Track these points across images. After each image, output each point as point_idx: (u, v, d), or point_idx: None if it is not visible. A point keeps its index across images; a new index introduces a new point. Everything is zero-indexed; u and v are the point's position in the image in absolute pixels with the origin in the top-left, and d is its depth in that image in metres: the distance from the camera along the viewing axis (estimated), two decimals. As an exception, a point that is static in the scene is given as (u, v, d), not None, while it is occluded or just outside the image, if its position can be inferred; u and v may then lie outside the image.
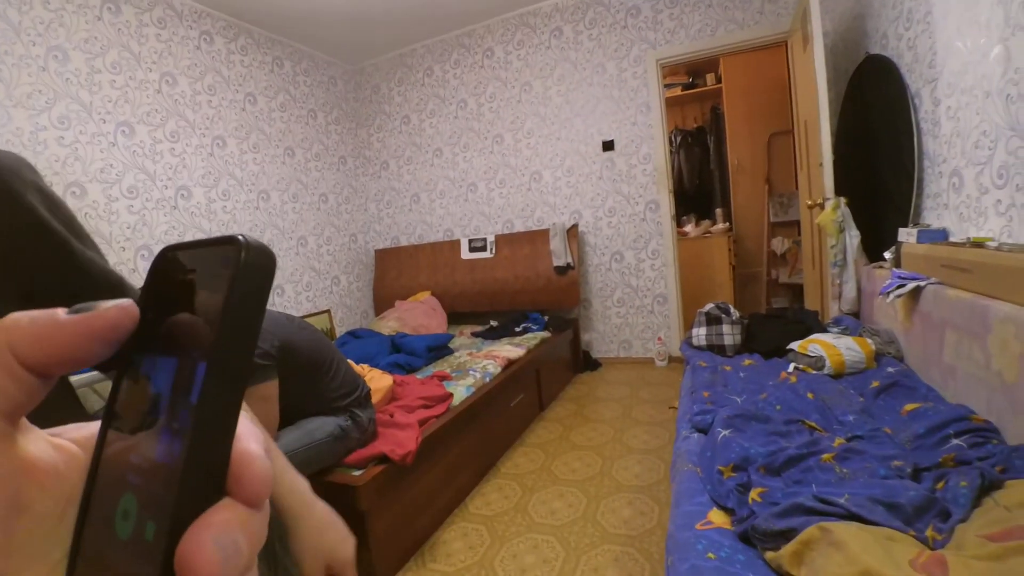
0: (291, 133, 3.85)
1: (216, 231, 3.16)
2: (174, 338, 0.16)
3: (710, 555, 0.95)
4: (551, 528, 1.87)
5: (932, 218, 2.02)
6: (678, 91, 4.82)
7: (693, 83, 4.87)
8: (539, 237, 3.78)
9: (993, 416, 1.31)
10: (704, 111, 4.97)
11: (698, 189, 4.92)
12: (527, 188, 3.99)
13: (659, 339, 3.62)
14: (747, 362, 2.03)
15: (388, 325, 3.66)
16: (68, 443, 0.17)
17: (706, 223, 4.54)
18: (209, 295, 0.16)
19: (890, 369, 1.69)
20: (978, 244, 1.55)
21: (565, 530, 1.85)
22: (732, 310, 2.28)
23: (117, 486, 0.16)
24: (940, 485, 1.07)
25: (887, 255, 2.02)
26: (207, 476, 0.15)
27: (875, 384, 1.61)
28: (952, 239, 1.77)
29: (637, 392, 3.16)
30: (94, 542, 0.16)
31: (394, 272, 4.37)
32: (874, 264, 2.23)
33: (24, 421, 0.16)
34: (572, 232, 3.67)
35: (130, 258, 2.75)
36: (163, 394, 0.16)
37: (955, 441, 1.23)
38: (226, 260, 0.15)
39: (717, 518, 1.07)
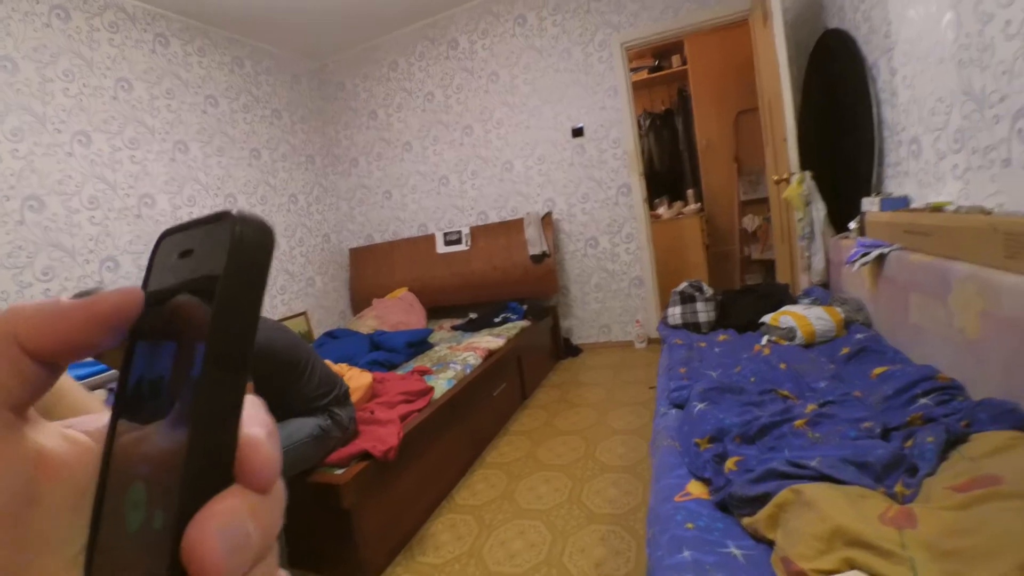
0: (256, 134, 3.77)
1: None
2: (174, 321, 0.16)
3: (689, 525, 0.96)
4: (538, 513, 1.89)
5: (894, 186, 2.06)
6: (644, 74, 4.84)
7: (659, 66, 4.89)
8: (514, 227, 3.78)
9: (958, 373, 1.35)
10: (671, 93, 5.00)
11: (669, 171, 4.96)
12: (499, 178, 3.97)
13: (637, 322, 3.66)
14: (722, 337, 2.06)
15: (366, 324, 3.63)
16: (80, 435, 0.17)
17: (678, 204, 4.58)
18: (206, 275, 0.15)
19: (859, 335, 1.73)
20: (937, 208, 1.59)
21: (551, 514, 1.86)
22: (705, 288, 2.31)
23: (127, 477, 0.15)
24: (909, 443, 1.10)
25: (852, 225, 2.06)
26: (212, 462, 0.14)
27: (845, 351, 1.65)
28: (913, 205, 1.81)
29: (618, 375, 3.19)
30: (108, 535, 0.15)
31: (370, 270, 4.32)
32: (841, 235, 2.27)
33: (33, 413, 0.15)
34: (546, 220, 3.67)
35: (95, 270, 2.67)
36: (166, 379, 0.16)
37: (922, 400, 1.27)
38: (221, 237, 0.15)
39: (695, 489, 1.09)
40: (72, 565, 0.15)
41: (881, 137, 2.11)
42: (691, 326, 2.24)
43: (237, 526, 0.14)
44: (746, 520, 0.93)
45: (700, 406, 1.30)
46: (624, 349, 3.72)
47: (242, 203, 3.58)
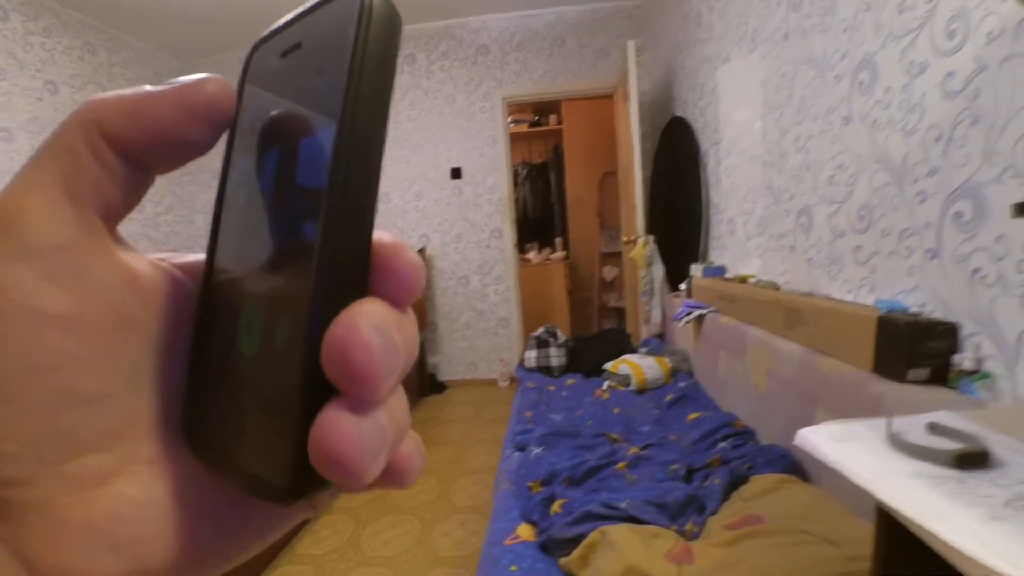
0: (99, 132, 3.37)
1: None
2: (282, 122, 0.14)
3: (513, 568, 1.02)
4: (383, 560, 1.84)
5: (715, 256, 2.40)
6: (525, 127, 5.14)
7: (539, 121, 5.23)
8: (387, 260, 3.74)
9: (753, 421, 1.60)
10: (548, 148, 5.35)
11: (541, 219, 5.26)
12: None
13: (502, 360, 3.78)
14: (570, 382, 2.22)
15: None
16: (173, 268, 0.15)
17: (547, 250, 4.87)
18: (325, 58, 0.13)
19: (682, 384, 1.97)
20: (743, 280, 1.90)
21: (397, 560, 1.83)
22: (559, 334, 2.48)
23: (235, 302, 0.14)
24: (707, 482, 1.28)
25: (682, 286, 2.37)
26: (349, 262, 0.13)
27: (669, 397, 1.87)
28: (727, 275, 2.13)
29: (480, 412, 3.25)
30: (215, 371, 0.14)
31: (225, 292, 3.99)
32: (674, 293, 2.58)
33: (120, 233, 0.13)
34: (420, 255, 3.69)
35: None
36: (277, 190, 0.14)
37: (722, 444, 1.48)
38: (342, 14, 0.13)
39: (524, 532, 1.16)
40: (160, 414, 0.14)
41: (708, 214, 2.46)
42: (544, 370, 2.38)
43: (388, 326, 0.12)
44: (562, 560, 1.01)
45: (537, 451, 1.40)
46: (488, 386, 3.81)
47: (72, 207, 3.14)
